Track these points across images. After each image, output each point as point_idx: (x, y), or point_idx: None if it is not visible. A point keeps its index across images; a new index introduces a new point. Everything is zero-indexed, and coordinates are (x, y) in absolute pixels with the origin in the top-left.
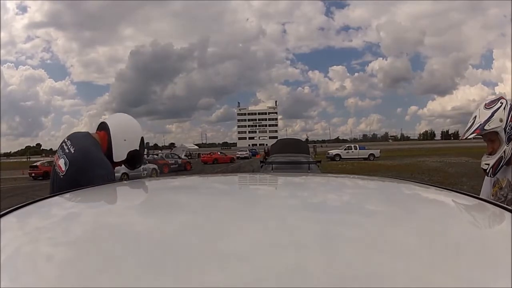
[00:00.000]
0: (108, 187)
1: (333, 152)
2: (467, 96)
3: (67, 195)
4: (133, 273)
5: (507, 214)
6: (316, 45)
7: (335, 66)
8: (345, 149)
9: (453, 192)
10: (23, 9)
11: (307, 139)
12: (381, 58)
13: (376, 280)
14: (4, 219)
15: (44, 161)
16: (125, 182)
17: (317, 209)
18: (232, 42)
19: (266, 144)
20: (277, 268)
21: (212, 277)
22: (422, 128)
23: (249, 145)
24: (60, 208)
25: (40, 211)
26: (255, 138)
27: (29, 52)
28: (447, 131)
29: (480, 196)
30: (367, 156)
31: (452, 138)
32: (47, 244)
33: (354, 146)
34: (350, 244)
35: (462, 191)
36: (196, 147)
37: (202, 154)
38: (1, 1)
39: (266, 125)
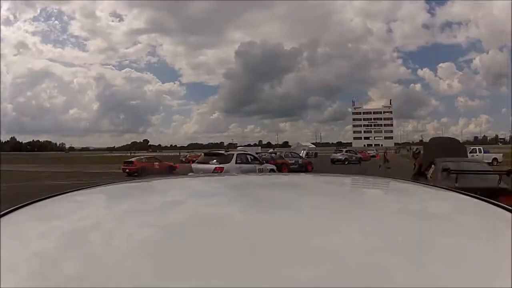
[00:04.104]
0: (108, 188)
1: None
2: None
3: (67, 195)
4: (133, 273)
5: (507, 214)
6: (423, 43)
7: (442, 64)
8: (470, 152)
9: (453, 192)
10: (118, 16)
11: (421, 140)
12: (485, 54)
13: (376, 280)
14: (4, 219)
15: (142, 157)
16: (124, 182)
17: (317, 209)
18: (340, 42)
19: (382, 145)
20: (277, 267)
21: (213, 276)
22: None
23: (364, 145)
24: (60, 208)
25: (40, 211)
26: (370, 138)
27: (134, 56)
28: None
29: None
30: (490, 161)
31: None
32: (47, 244)
33: (478, 149)
34: (349, 243)
35: (462, 191)
36: (313, 146)
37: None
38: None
39: (381, 125)
